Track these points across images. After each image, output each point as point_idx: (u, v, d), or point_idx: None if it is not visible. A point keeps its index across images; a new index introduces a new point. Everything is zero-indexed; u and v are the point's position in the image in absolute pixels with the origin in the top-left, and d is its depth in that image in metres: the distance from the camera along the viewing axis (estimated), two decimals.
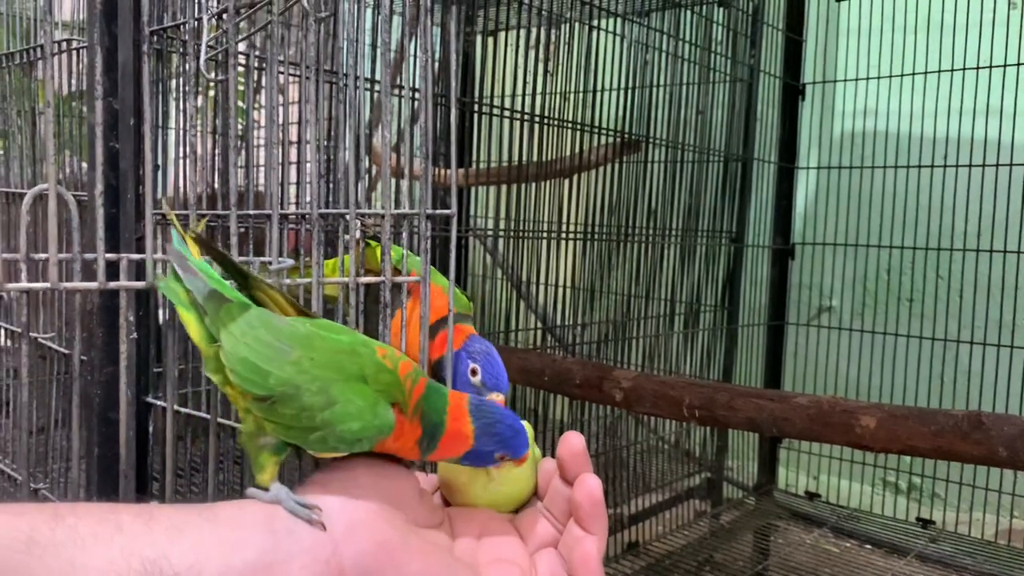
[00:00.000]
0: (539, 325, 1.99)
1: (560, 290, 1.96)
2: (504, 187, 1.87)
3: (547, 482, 0.63)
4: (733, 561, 1.97)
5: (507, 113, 1.80)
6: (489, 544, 0.61)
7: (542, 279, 1.89)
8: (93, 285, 0.58)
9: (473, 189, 1.99)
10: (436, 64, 1.69)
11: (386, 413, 0.55)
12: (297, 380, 0.53)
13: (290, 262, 0.69)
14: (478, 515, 0.63)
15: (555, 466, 0.63)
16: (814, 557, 1.96)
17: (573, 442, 0.60)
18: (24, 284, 0.54)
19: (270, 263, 0.69)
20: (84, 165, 1.46)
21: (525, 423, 0.65)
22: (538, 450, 0.65)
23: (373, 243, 0.92)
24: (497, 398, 0.79)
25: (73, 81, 1.37)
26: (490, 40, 2.00)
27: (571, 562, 0.58)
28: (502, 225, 1.87)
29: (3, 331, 1.36)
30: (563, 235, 1.88)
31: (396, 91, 1.44)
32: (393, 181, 0.72)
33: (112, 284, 0.60)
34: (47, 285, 0.56)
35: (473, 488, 0.64)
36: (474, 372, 0.80)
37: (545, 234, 1.86)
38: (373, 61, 1.47)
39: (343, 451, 0.55)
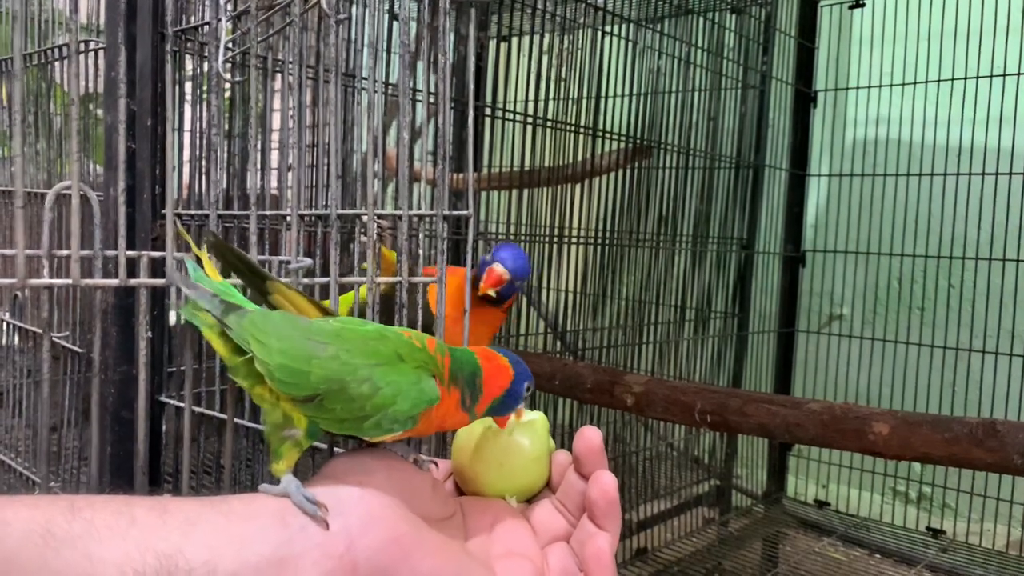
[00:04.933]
0: (548, 329, 1.99)
1: (569, 295, 1.95)
2: (515, 191, 1.87)
3: (560, 474, 0.64)
4: (742, 569, 1.97)
5: (519, 118, 1.80)
6: (501, 536, 0.61)
7: (552, 283, 1.89)
8: (114, 282, 0.58)
9: (484, 193, 1.99)
10: (450, 68, 1.70)
11: (431, 385, 0.56)
12: (340, 374, 0.54)
13: (308, 261, 0.69)
14: (491, 506, 0.63)
15: (569, 459, 0.63)
16: (823, 566, 1.95)
17: (590, 437, 0.60)
18: (46, 280, 0.54)
19: (288, 263, 0.69)
20: (96, 167, 1.46)
21: (540, 413, 0.66)
22: (552, 442, 0.65)
23: (386, 252, 0.93)
24: (496, 269, 0.83)
25: (89, 83, 1.38)
26: (503, 45, 2.00)
27: (583, 557, 0.58)
28: (512, 229, 1.87)
29: (15, 330, 1.37)
30: (573, 239, 1.88)
31: (411, 94, 1.45)
32: (406, 183, 0.72)
33: (133, 281, 0.60)
34: (69, 281, 0.56)
35: (486, 476, 0.64)
36: (487, 251, 0.87)
37: (556, 239, 1.86)
38: (387, 64, 1.48)
39: (397, 431, 0.56)
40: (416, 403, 0.55)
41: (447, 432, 0.70)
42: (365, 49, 1.29)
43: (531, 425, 0.65)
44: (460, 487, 0.66)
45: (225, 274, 0.62)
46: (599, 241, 1.92)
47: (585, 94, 1.88)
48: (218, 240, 0.60)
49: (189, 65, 1.15)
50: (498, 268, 0.92)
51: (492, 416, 0.63)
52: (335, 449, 0.66)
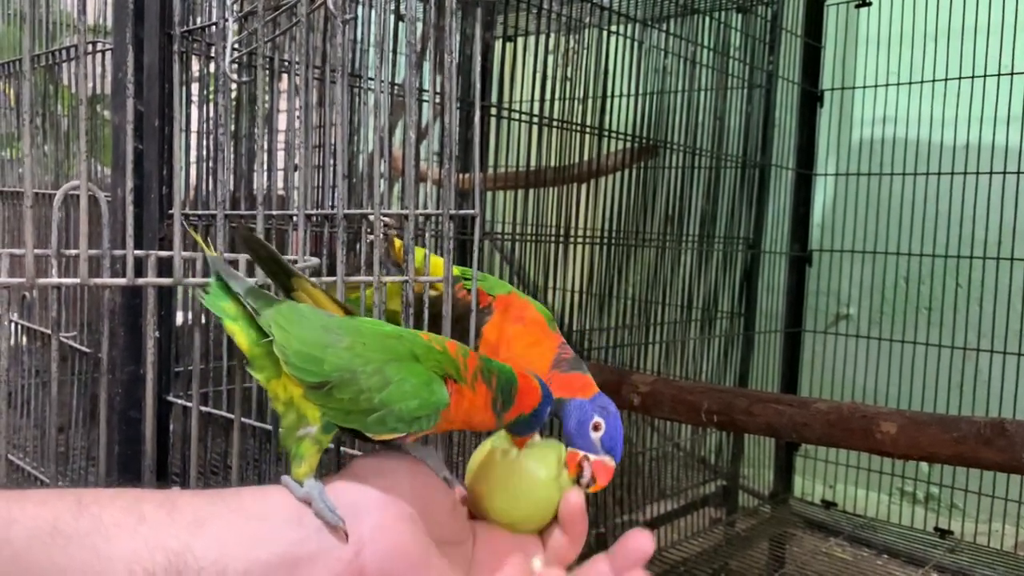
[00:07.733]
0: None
1: (576, 294, 1.95)
2: (521, 191, 1.87)
3: (569, 513, 0.62)
4: (748, 569, 1.96)
5: (525, 117, 1.80)
6: None
7: (557, 284, 1.89)
8: (122, 281, 0.59)
9: (490, 193, 1.99)
10: (456, 68, 1.70)
11: (441, 389, 0.56)
12: (352, 364, 0.54)
13: (315, 261, 0.69)
14: (503, 542, 0.62)
15: (580, 498, 0.62)
16: (830, 566, 1.94)
17: (643, 543, 0.58)
18: (55, 279, 0.55)
19: (295, 262, 0.69)
20: (102, 169, 1.47)
21: (556, 442, 0.65)
22: (566, 474, 0.63)
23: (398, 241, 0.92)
24: (607, 462, 0.74)
25: (96, 84, 1.38)
26: (508, 45, 2.01)
27: None
28: (518, 229, 1.87)
29: (23, 331, 1.37)
30: (579, 239, 1.88)
31: (418, 94, 1.45)
32: (413, 183, 0.72)
33: (140, 280, 0.60)
34: (77, 281, 0.56)
35: (491, 498, 0.63)
36: (597, 427, 0.74)
37: (562, 238, 1.86)
38: (393, 64, 1.48)
39: (402, 431, 0.55)
40: (423, 404, 0.54)
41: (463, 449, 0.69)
42: (371, 49, 1.29)
43: (543, 452, 0.64)
44: (471, 509, 0.66)
45: (250, 269, 0.63)
46: (605, 241, 1.92)
47: (591, 94, 1.87)
48: (250, 235, 0.60)
49: (196, 66, 1.15)
50: (610, 463, 0.75)
51: (513, 434, 0.62)
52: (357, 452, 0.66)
